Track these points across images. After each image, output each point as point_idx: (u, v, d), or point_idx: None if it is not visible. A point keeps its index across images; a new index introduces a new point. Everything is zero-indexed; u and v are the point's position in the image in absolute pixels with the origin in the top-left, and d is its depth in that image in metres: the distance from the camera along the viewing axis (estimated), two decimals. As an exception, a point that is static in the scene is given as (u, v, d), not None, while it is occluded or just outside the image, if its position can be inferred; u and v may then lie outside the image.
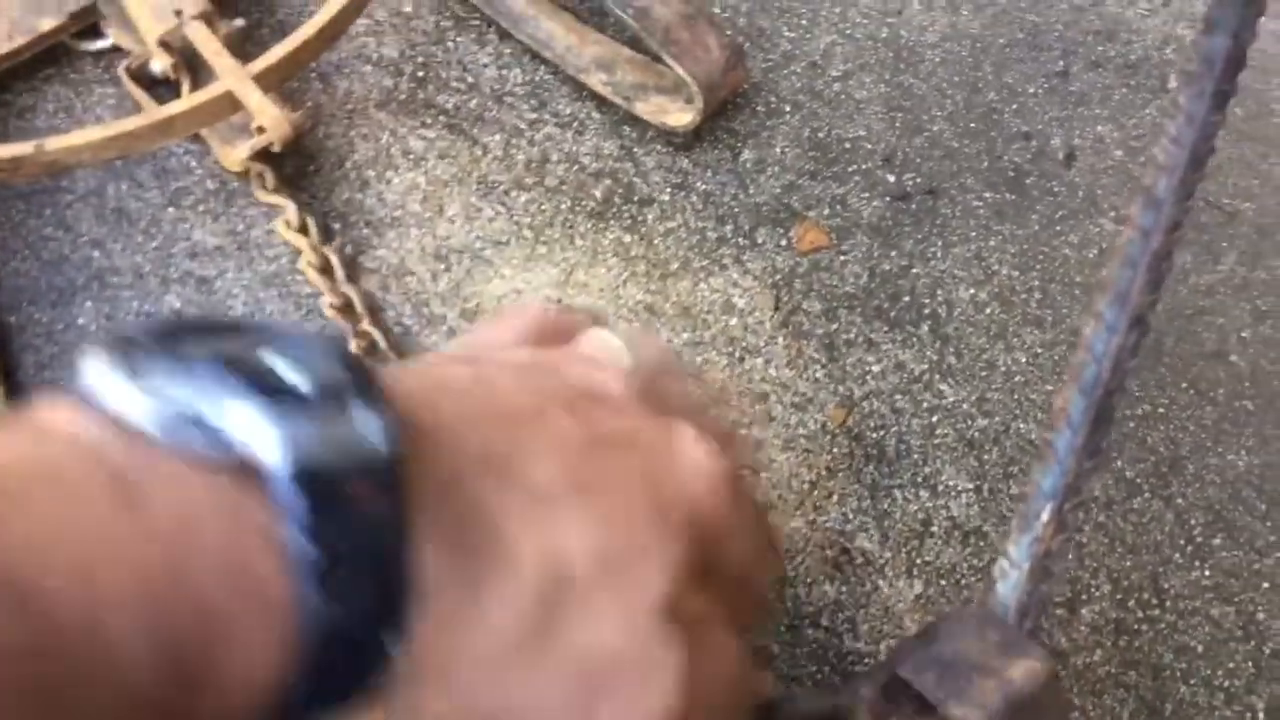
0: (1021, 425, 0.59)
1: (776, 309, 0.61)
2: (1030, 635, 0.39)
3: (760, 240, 0.63)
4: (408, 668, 0.24)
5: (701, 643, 0.29)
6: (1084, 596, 0.56)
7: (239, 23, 0.61)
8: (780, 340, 0.60)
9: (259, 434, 0.22)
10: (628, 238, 0.62)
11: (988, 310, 0.62)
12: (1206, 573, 0.57)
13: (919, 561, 0.56)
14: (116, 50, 0.63)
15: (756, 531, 0.34)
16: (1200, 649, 0.55)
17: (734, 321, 0.60)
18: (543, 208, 0.62)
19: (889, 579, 0.55)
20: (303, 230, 0.57)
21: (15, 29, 0.61)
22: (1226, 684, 0.54)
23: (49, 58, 0.63)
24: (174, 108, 0.54)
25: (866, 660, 0.53)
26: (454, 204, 0.62)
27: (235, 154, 0.58)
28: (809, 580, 0.55)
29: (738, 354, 0.60)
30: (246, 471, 0.22)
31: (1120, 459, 0.59)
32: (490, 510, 0.26)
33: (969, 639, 0.38)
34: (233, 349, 0.23)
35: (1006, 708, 0.37)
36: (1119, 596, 0.56)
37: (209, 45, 0.58)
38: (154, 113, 0.54)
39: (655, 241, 0.62)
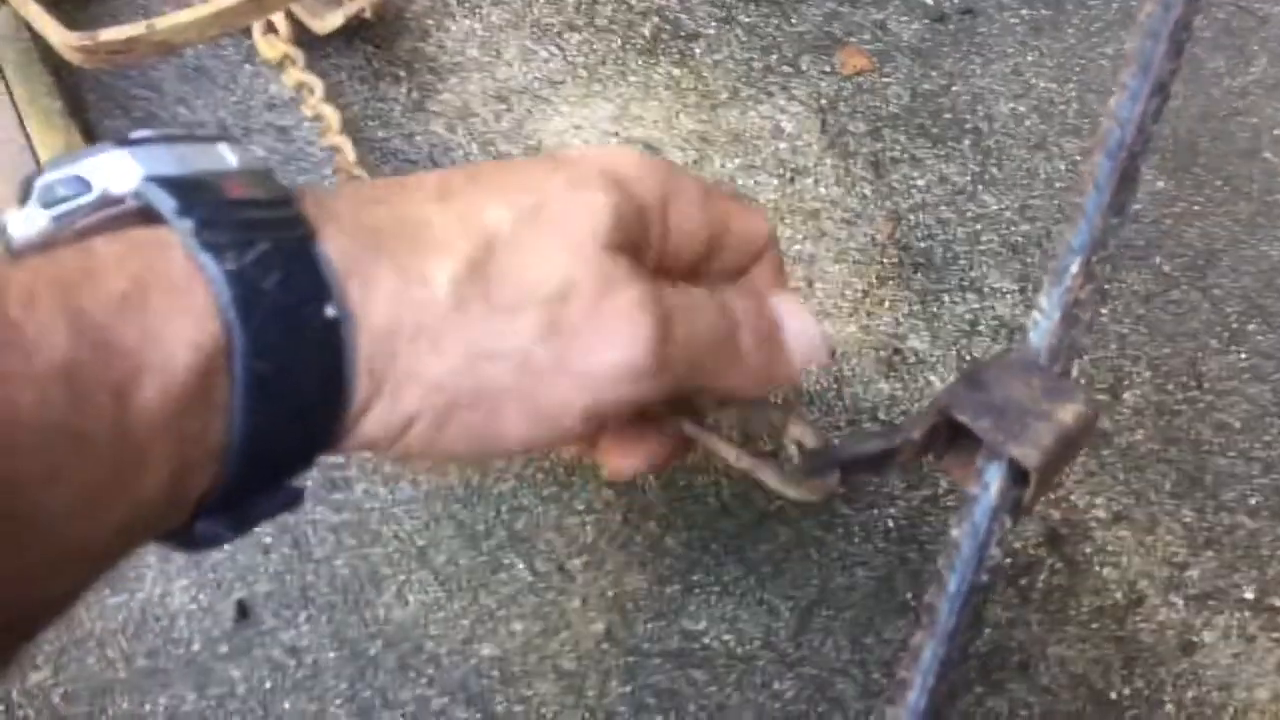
0: (1062, 227, 0.62)
1: (823, 131, 0.64)
2: (1064, 377, 0.42)
3: (804, 67, 0.65)
4: (374, 345, 0.28)
5: (669, 293, 0.33)
6: (1125, 382, 0.59)
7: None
8: (828, 160, 0.63)
9: (118, 167, 0.28)
10: (677, 71, 0.65)
11: (1027, 122, 0.65)
12: (1243, 355, 0.60)
13: (968, 358, 0.59)
14: None
15: (711, 200, 0.36)
16: (1238, 425, 0.58)
17: (783, 145, 0.63)
18: (595, 47, 0.65)
19: (940, 374, 0.59)
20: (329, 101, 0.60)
21: None
22: (1264, 455, 0.58)
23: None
24: None
25: (922, 447, 0.57)
26: (510, 47, 0.64)
27: (328, 22, 0.61)
28: (865, 379, 0.59)
29: (788, 175, 0.63)
30: (136, 216, 0.28)
31: (1158, 255, 0.62)
32: (393, 208, 0.31)
33: (1015, 384, 0.42)
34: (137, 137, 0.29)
35: (1057, 447, 0.40)
36: (1159, 381, 0.59)
37: None
38: None
39: (704, 73, 0.65)
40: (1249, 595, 0.55)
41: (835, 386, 0.59)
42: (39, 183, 0.28)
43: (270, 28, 0.60)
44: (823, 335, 0.39)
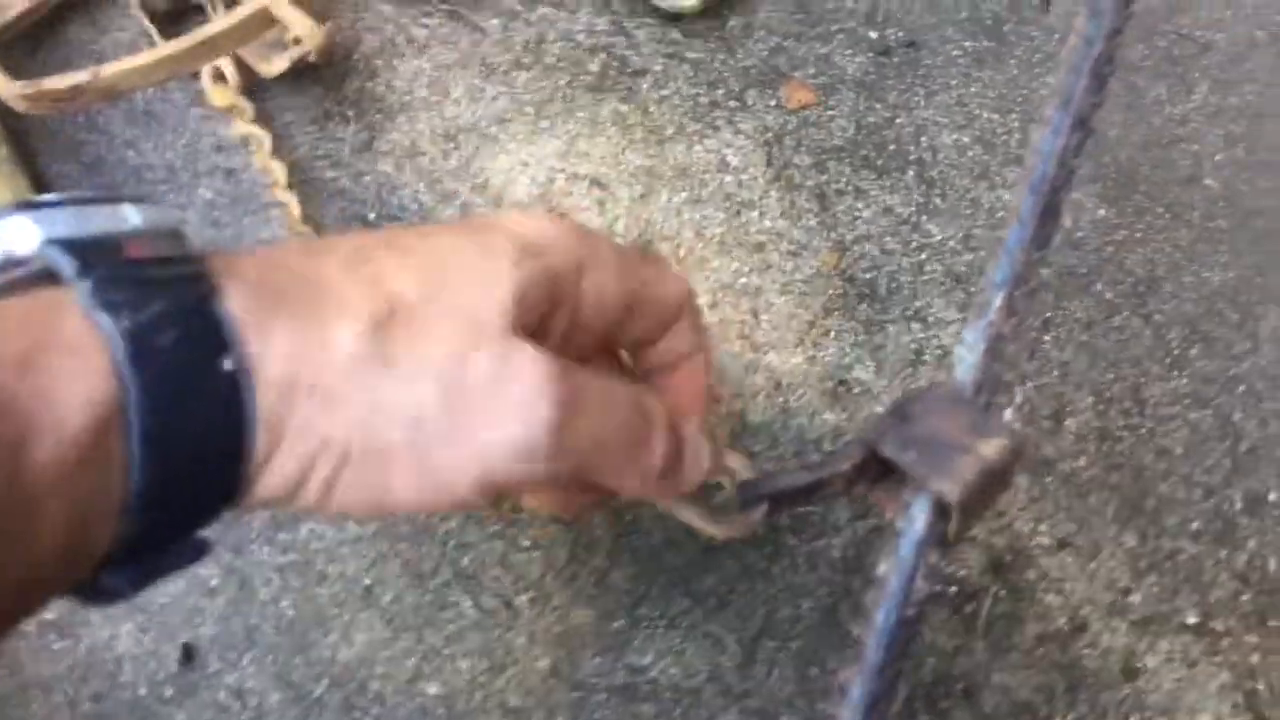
0: (986, 264, 0.63)
1: (769, 164, 0.65)
2: (988, 410, 0.43)
3: (750, 102, 0.66)
4: (272, 398, 0.29)
5: (582, 377, 0.33)
6: (1068, 409, 0.60)
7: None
8: (774, 193, 0.64)
9: (19, 231, 0.28)
10: (624, 107, 0.66)
11: (970, 153, 0.65)
12: (1184, 381, 0.60)
13: (913, 387, 0.60)
14: None
15: (629, 266, 0.36)
16: (1180, 450, 0.59)
17: (729, 179, 0.64)
18: (542, 85, 0.66)
19: (885, 404, 0.59)
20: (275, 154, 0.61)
21: None
22: (1205, 480, 0.58)
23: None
24: (214, 28, 0.57)
25: (867, 477, 0.58)
26: (458, 86, 0.65)
27: (275, 66, 0.61)
28: (810, 410, 0.59)
29: (734, 208, 0.63)
30: (39, 279, 0.28)
31: (1100, 281, 0.62)
32: (301, 270, 0.31)
33: (941, 418, 0.42)
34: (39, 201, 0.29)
35: (979, 481, 0.41)
36: (1101, 408, 0.60)
37: None
38: (198, 34, 0.57)
39: (650, 109, 0.66)
40: (1191, 620, 0.56)
41: (781, 418, 0.59)
42: None
43: (219, 74, 0.61)
44: (707, 454, 0.40)
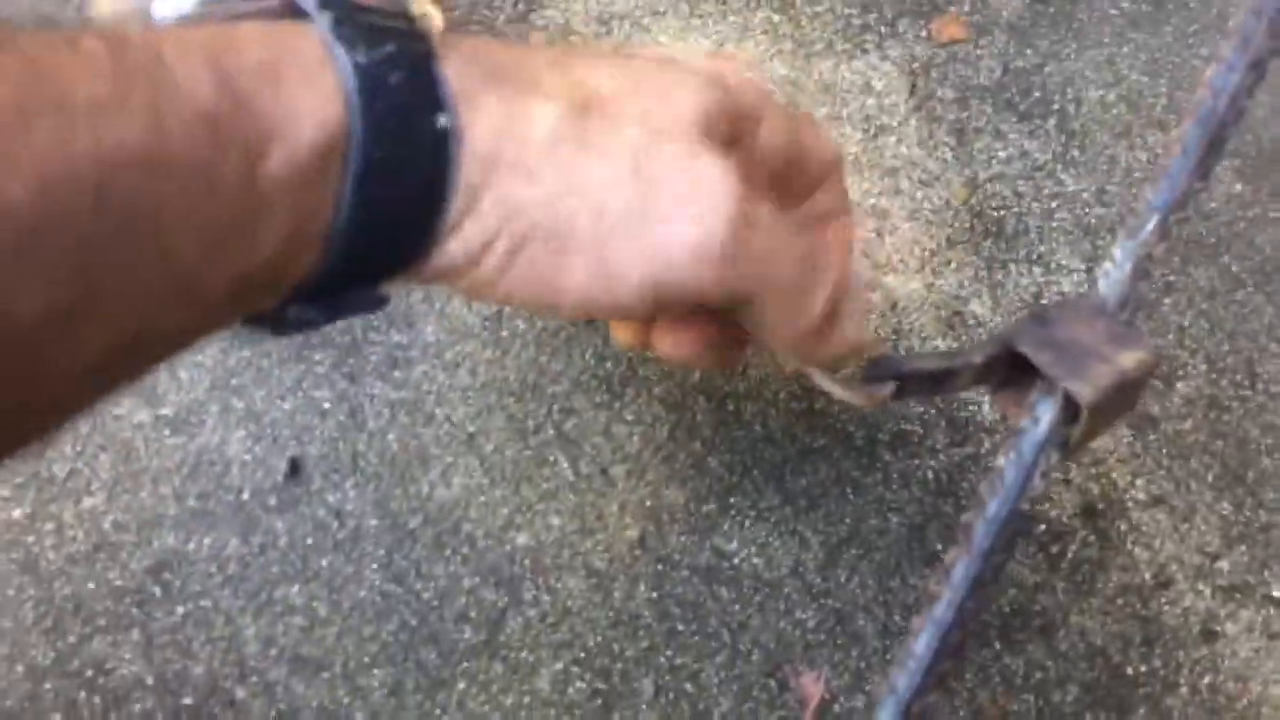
0: (1144, 187, 0.63)
1: (912, 93, 0.65)
2: (1130, 325, 0.43)
3: (902, 29, 0.66)
4: (473, 164, 0.30)
5: (762, 204, 0.34)
6: (1180, 373, 0.59)
7: None
8: (913, 122, 0.64)
9: None
10: (777, 17, 0.66)
11: (1114, 110, 0.65)
12: (1300, 363, 0.60)
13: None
14: None
15: (795, 120, 0.38)
16: (1286, 429, 0.59)
17: (870, 101, 0.64)
18: (699, -15, 0.66)
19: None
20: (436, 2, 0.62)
21: None
22: (1308, 461, 0.58)
23: None
24: None
25: (971, 407, 0.58)
26: (618, -26, 0.66)
27: None
28: (923, 335, 0.59)
29: (872, 131, 0.64)
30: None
31: (1227, 254, 0.62)
32: (513, 58, 0.33)
33: (1080, 326, 0.42)
34: None
35: (1113, 389, 0.41)
36: (1213, 376, 0.60)
37: None
38: None
39: (803, 22, 0.66)
40: (1277, 594, 0.56)
41: (892, 339, 0.59)
42: None
43: None
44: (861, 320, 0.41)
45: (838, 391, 0.43)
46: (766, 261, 0.34)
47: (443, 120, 0.30)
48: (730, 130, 0.35)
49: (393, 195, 0.29)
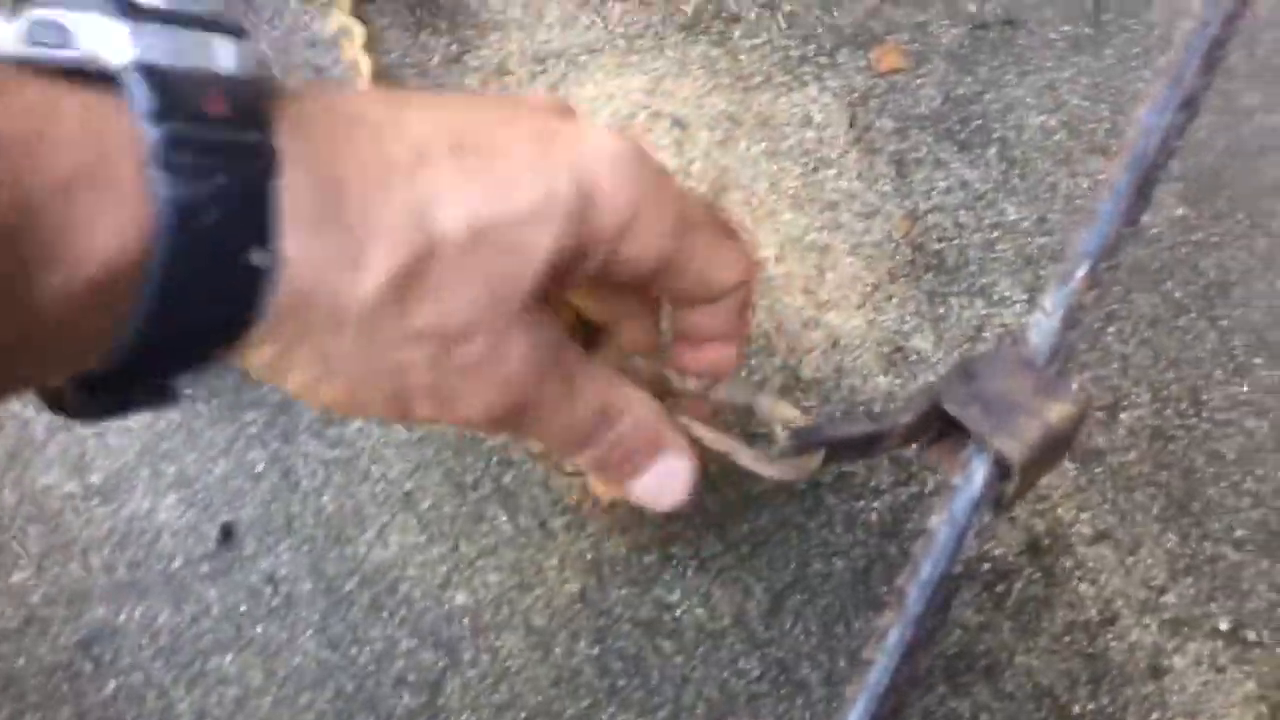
0: (1073, 234, 0.62)
1: (851, 125, 0.64)
2: (1059, 377, 0.42)
3: (840, 60, 0.65)
4: (287, 296, 0.28)
5: (567, 360, 0.32)
6: (1124, 403, 0.59)
7: None
8: (853, 154, 0.63)
9: (111, 37, 0.26)
10: (714, 51, 0.65)
11: (1055, 137, 0.65)
12: (1245, 388, 0.60)
13: (982, 350, 0.59)
14: None
15: (687, 230, 0.33)
16: (1233, 456, 0.58)
17: (810, 134, 0.64)
18: (636, 19, 0.65)
19: (939, 375, 0.59)
20: (367, 49, 0.61)
21: None
22: (1255, 489, 0.58)
23: None
24: None
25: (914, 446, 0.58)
26: (553, 11, 0.65)
27: None
28: (865, 372, 0.59)
29: (811, 165, 0.63)
30: (104, 79, 0.26)
31: (1170, 280, 0.62)
32: (364, 162, 0.29)
33: (1008, 379, 0.42)
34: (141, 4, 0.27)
35: (1043, 444, 0.41)
36: (1158, 405, 0.59)
37: None
38: None
39: (740, 56, 0.65)
40: (1224, 626, 0.55)
41: (834, 376, 0.59)
42: (27, 16, 0.27)
43: None
44: (686, 484, 0.37)
45: (763, 469, 0.42)
46: (548, 419, 0.33)
47: (258, 258, 0.27)
48: (575, 257, 0.32)
49: (188, 322, 0.27)
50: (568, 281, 0.33)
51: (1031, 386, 0.42)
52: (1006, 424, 0.41)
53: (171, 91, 0.26)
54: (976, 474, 0.41)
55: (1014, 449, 0.40)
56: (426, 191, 0.30)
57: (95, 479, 0.54)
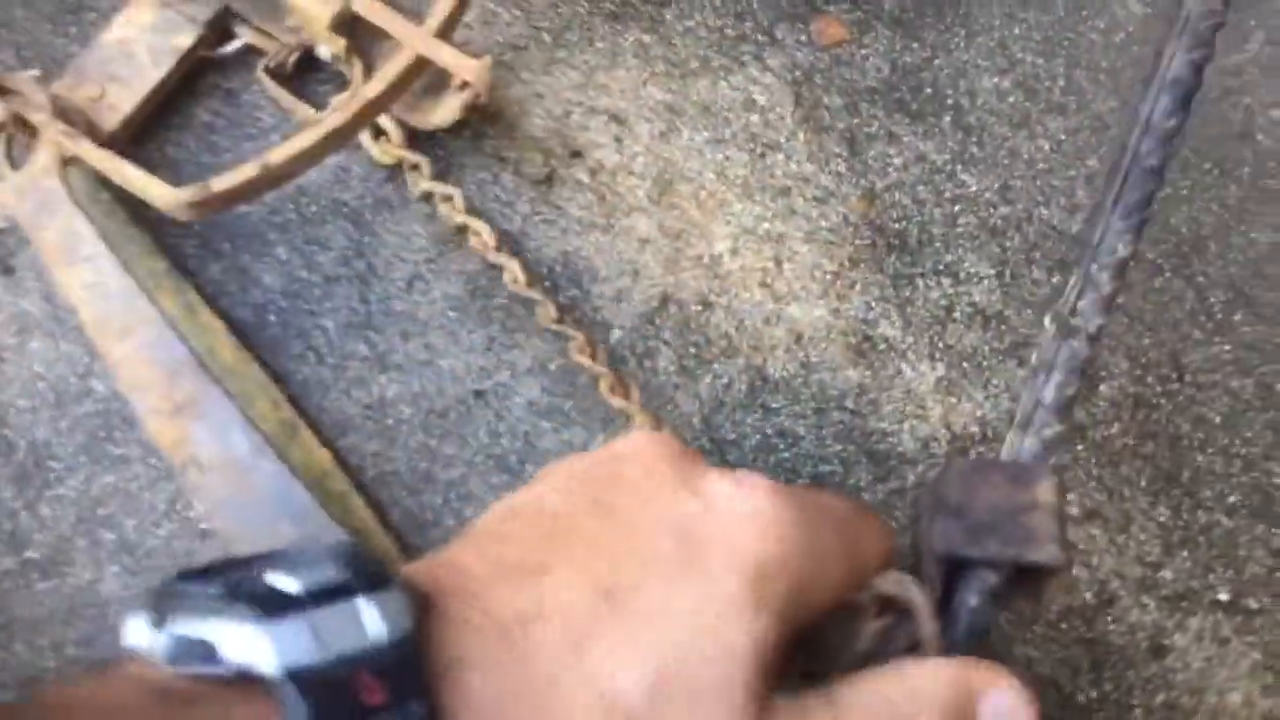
0: (1044, 211, 0.60)
1: (797, 105, 0.61)
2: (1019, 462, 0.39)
3: (780, 36, 0.62)
4: None
5: None
6: (1102, 374, 0.57)
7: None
8: (801, 135, 0.60)
9: (255, 648, 0.25)
10: (647, 38, 0.62)
11: (1011, 99, 0.62)
12: (1226, 347, 0.57)
13: (940, 345, 0.57)
14: (251, 50, 0.59)
15: (849, 541, 0.32)
16: (1218, 419, 0.56)
17: (755, 118, 0.61)
18: (560, 10, 0.62)
19: (911, 363, 0.57)
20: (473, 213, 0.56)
21: (156, 54, 0.56)
22: (1244, 451, 0.56)
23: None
24: (372, 89, 0.52)
25: (890, 438, 0.55)
26: (471, 10, 0.61)
27: (440, 115, 0.57)
28: (833, 366, 0.56)
29: (759, 150, 0.60)
30: (256, 687, 0.25)
31: (1141, 240, 0.59)
32: (531, 661, 0.28)
33: (984, 492, 0.37)
34: (236, 578, 0.27)
35: (1058, 524, 0.37)
36: (1137, 373, 0.57)
37: (381, 13, 0.54)
38: (356, 99, 0.52)
39: (674, 41, 0.62)
40: (1224, 597, 0.53)
41: (802, 373, 0.56)
42: (168, 632, 0.26)
43: (378, 130, 0.57)
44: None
45: None
46: None
47: None
48: (795, 622, 0.30)
49: None
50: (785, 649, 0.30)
51: (1007, 485, 0.38)
52: (1022, 535, 0.37)
53: (325, 694, 0.25)
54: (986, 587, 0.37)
55: (1050, 553, 0.36)
56: (596, 665, 0.28)
57: (33, 553, 0.51)
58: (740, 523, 0.30)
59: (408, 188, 0.57)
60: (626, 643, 0.28)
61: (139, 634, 0.27)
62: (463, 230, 0.56)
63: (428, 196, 0.57)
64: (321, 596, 0.26)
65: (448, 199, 0.56)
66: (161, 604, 0.27)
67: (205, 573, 0.27)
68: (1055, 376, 0.41)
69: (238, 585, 0.26)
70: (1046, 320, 0.42)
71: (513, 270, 0.55)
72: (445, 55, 0.54)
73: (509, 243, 0.57)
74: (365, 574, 0.27)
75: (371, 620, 0.26)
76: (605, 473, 0.32)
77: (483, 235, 0.56)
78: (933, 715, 0.30)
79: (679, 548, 0.29)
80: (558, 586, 0.28)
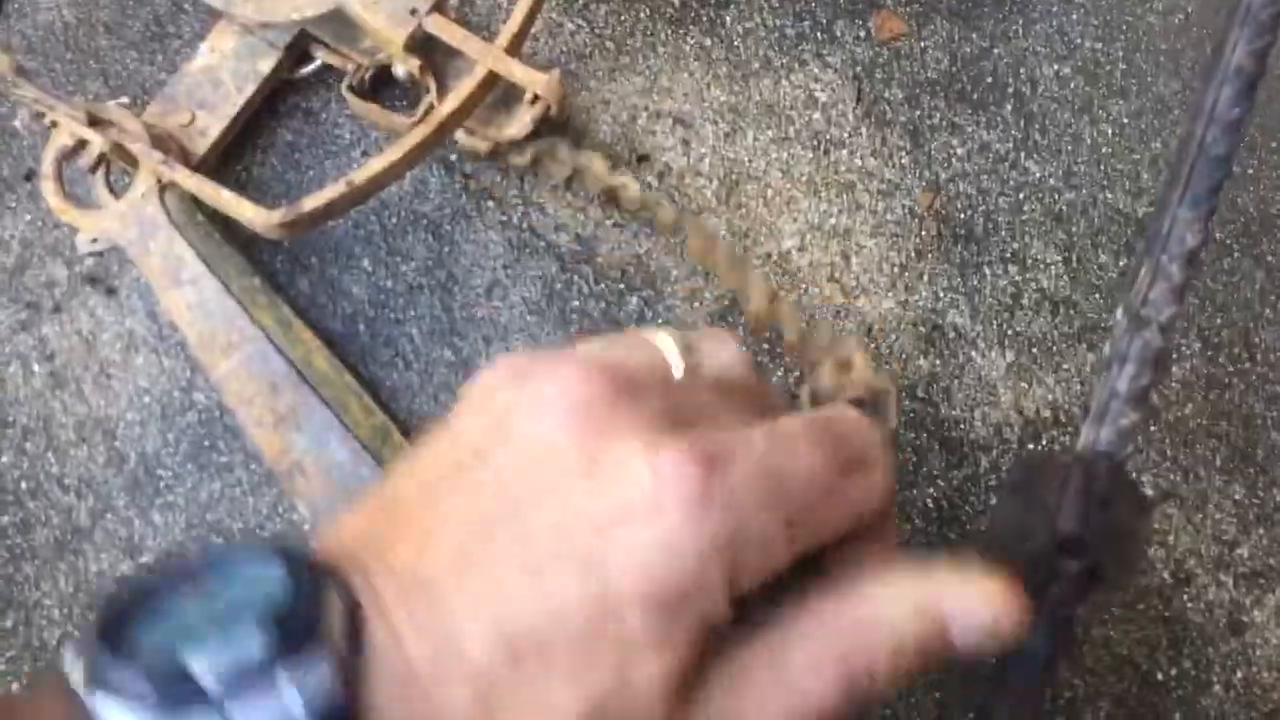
0: (1109, 195, 0.60)
1: (859, 100, 0.62)
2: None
3: (839, 33, 0.63)
4: None
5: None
6: (1175, 355, 0.57)
7: (454, 1, 0.60)
8: (864, 130, 0.62)
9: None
10: (708, 41, 0.63)
11: (1072, 85, 0.62)
12: (1297, 325, 0.58)
13: (1010, 332, 0.58)
14: (328, 69, 0.62)
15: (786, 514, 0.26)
16: (1291, 398, 0.57)
17: (817, 115, 0.62)
18: (622, 18, 0.64)
19: (981, 350, 0.57)
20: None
21: (240, 78, 0.59)
22: (1317, 428, 0.56)
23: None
24: (447, 106, 0.54)
25: (961, 425, 0.56)
26: (537, 22, 0.63)
27: (515, 128, 0.58)
28: (904, 356, 0.57)
29: (823, 147, 0.61)
30: None
31: (1210, 220, 0.59)
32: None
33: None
34: (154, 657, 0.23)
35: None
36: (1209, 353, 0.57)
37: (452, 32, 0.57)
38: (431, 118, 0.54)
39: (735, 43, 0.63)
40: (1302, 573, 0.54)
41: (874, 364, 0.57)
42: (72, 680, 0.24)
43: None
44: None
45: None
46: None
47: None
48: (700, 637, 0.25)
49: None
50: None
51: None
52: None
53: None
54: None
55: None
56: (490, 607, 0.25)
57: (148, 559, 0.54)
58: (645, 548, 0.25)
59: (487, 197, 0.60)
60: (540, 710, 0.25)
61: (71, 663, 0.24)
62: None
63: (503, 202, 0.59)
64: (240, 684, 0.23)
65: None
66: (93, 663, 0.23)
67: (129, 605, 0.24)
68: (1129, 367, 0.42)
69: (153, 667, 0.23)
70: (1118, 312, 0.43)
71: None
72: (516, 71, 0.56)
73: (581, 249, 0.59)
74: (292, 625, 0.24)
75: (294, 701, 0.23)
76: (497, 444, 0.27)
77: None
78: (891, 652, 0.26)
79: (581, 580, 0.24)
80: (461, 636, 0.25)
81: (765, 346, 0.58)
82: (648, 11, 0.64)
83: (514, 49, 0.57)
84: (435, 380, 0.56)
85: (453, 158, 0.60)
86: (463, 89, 0.55)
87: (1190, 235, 0.45)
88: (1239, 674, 0.53)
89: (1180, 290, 0.44)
